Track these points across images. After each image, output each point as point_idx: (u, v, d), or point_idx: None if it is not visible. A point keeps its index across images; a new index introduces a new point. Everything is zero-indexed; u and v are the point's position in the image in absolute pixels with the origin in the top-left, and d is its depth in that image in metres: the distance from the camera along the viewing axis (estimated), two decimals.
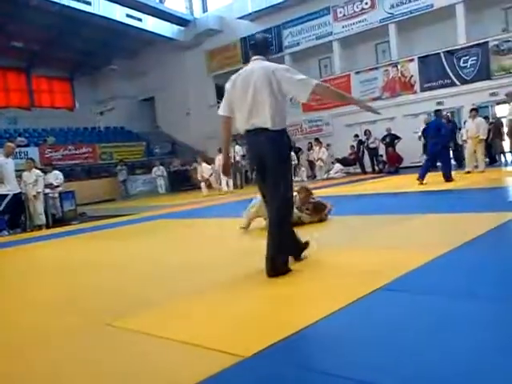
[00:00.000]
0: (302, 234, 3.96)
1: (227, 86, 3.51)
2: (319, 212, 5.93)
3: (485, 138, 11.92)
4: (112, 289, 3.71)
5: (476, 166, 11.71)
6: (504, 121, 13.07)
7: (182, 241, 6.08)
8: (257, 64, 3.43)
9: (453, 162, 15.33)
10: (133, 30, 23.17)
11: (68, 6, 20.32)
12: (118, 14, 22.08)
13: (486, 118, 15.67)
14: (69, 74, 28.26)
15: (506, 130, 13.01)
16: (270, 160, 3.35)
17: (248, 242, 5.27)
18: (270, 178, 3.39)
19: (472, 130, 11.52)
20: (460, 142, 13.96)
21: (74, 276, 4.47)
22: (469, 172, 11.44)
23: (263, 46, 3.58)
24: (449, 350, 1.88)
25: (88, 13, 21.08)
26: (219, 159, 16.39)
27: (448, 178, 9.86)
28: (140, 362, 2.16)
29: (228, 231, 6.43)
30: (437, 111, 10.95)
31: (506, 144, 15.24)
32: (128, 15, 22.36)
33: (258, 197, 5.34)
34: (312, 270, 3.55)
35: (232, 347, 2.16)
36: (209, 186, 16.11)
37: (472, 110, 12.36)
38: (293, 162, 17.17)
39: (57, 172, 12.39)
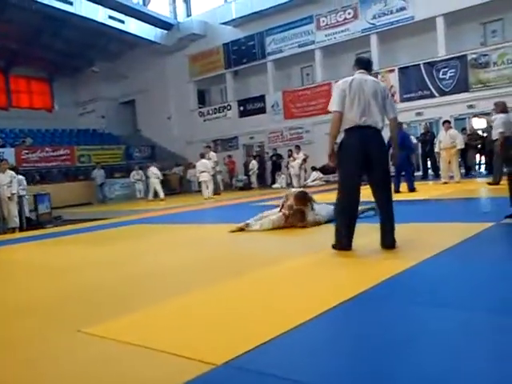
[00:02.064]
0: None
1: (342, 86, 4.09)
2: (299, 219, 5.96)
3: (462, 147, 12.08)
4: (84, 294, 3.62)
5: (452, 177, 11.86)
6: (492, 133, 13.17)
7: (157, 246, 5.98)
8: (366, 76, 4.17)
9: (430, 172, 15.60)
10: (115, 32, 22.96)
11: (49, 5, 20.02)
12: (101, 15, 21.85)
13: (464, 129, 15.99)
14: (48, 75, 27.83)
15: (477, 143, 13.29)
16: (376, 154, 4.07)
17: (221, 248, 5.20)
18: (380, 170, 4.08)
19: (445, 142, 11.63)
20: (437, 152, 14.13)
21: (46, 280, 4.34)
22: (446, 182, 11.58)
23: (368, 63, 4.37)
24: (411, 358, 1.85)
25: (69, 13, 20.81)
26: (199, 165, 16.37)
27: (411, 188, 10.10)
28: (107, 371, 2.09)
29: (204, 237, 6.37)
30: (399, 123, 11.04)
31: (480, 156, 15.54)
32: (110, 17, 22.14)
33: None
34: (287, 273, 3.51)
35: (204, 354, 2.10)
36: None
37: (445, 121, 12.52)
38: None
39: (20, 177, 11.17)
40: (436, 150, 12.47)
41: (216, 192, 16.54)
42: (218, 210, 11.38)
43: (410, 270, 3.36)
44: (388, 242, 4.08)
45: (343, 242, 4.06)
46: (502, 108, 9.60)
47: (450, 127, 12.20)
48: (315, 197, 6.79)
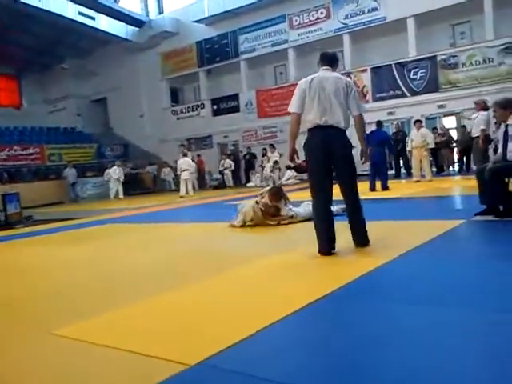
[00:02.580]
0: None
1: (303, 86, 3.99)
2: (272, 214, 6.02)
3: (433, 146, 12.32)
4: (54, 295, 3.53)
5: (423, 175, 12.08)
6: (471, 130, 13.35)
7: (130, 246, 5.89)
8: (329, 73, 4.05)
9: (403, 170, 15.85)
10: (85, 28, 22.54)
11: (16, 0, 19.51)
12: (70, 11, 21.41)
13: (435, 128, 16.32)
14: (16, 71, 27.12)
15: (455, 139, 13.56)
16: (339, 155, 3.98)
17: (195, 247, 5.16)
18: (345, 170, 4.03)
19: (417, 141, 11.85)
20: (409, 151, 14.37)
21: (16, 282, 4.23)
22: (418, 181, 11.78)
23: (331, 59, 4.20)
24: (384, 356, 1.87)
25: (37, 8, 20.31)
26: (180, 163, 16.35)
27: (385, 186, 10.33)
28: (78, 373, 2.05)
29: (178, 236, 6.31)
30: (378, 122, 11.26)
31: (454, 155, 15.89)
32: (80, 13, 21.72)
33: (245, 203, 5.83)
34: (260, 272, 3.50)
35: (177, 354, 2.09)
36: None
37: (416, 121, 12.70)
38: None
39: None
40: (408, 148, 12.69)
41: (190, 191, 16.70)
42: (191, 208, 11.30)
43: (383, 267, 3.39)
44: (360, 240, 4.09)
45: (325, 247, 3.95)
46: (482, 106, 9.78)
47: (422, 126, 12.42)
48: (290, 195, 6.82)
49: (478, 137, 9.34)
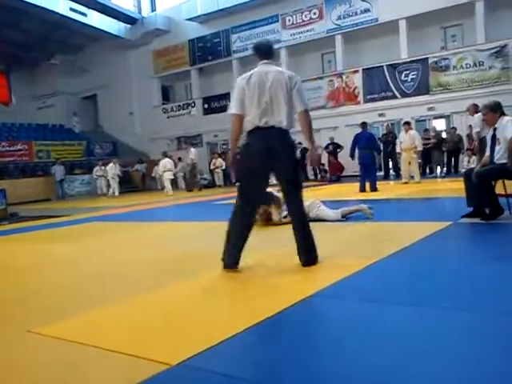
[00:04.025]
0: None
1: (240, 84, 3.56)
2: (265, 219, 5.95)
3: (421, 149, 12.34)
4: (36, 293, 3.46)
5: (412, 177, 12.10)
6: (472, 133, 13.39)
7: (114, 244, 5.81)
8: (269, 67, 3.61)
9: (392, 172, 15.89)
10: (77, 24, 22.36)
11: None
12: (61, 6, 21.22)
13: (426, 130, 16.37)
14: (5, 67, 26.75)
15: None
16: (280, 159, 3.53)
17: (179, 247, 5.09)
18: (288, 176, 3.58)
19: (406, 143, 11.87)
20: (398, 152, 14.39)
21: None
22: (406, 182, 11.80)
23: (269, 50, 3.76)
24: (363, 357, 1.82)
25: (28, 3, 20.09)
26: (162, 163, 16.50)
27: (374, 188, 10.34)
28: (58, 372, 2.01)
29: (164, 235, 6.24)
30: (363, 123, 11.25)
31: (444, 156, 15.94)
32: (72, 9, 21.54)
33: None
34: (247, 275, 3.45)
35: (158, 354, 2.05)
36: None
37: (405, 123, 12.73)
38: None
39: None
40: (397, 150, 12.71)
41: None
42: (179, 207, 11.21)
43: (367, 269, 3.36)
44: (304, 257, 3.55)
45: (229, 262, 3.53)
46: (475, 109, 9.78)
47: (411, 128, 12.44)
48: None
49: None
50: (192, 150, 17.57)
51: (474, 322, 2.23)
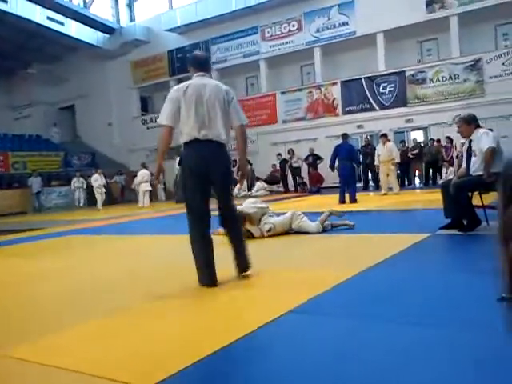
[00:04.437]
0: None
1: (176, 94, 3.49)
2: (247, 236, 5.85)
3: (399, 161, 12.47)
4: (4, 312, 3.33)
5: (391, 188, 12.19)
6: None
7: (90, 258, 5.67)
8: (206, 80, 3.60)
9: (371, 183, 16.02)
10: (54, 33, 22.10)
11: None
12: (38, 15, 20.96)
13: (402, 142, 16.62)
14: None
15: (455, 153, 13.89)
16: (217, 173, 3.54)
17: (155, 262, 5.00)
18: (223, 188, 3.60)
19: (384, 155, 11.96)
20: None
21: None
22: (385, 194, 11.88)
23: (206, 63, 3.81)
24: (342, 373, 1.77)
25: (3, 11, 19.79)
26: (140, 174, 16.33)
27: (354, 199, 10.39)
28: None
29: (140, 248, 6.13)
30: (344, 135, 11.33)
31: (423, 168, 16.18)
32: (49, 18, 21.30)
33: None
34: (224, 291, 3.38)
35: (133, 376, 1.98)
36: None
37: (382, 135, 12.82)
38: None
39: None
40: (376, 163, 12.78)
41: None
42: (159, 220, 11.07)
43: (346, 282, 3.33)
44: (243, 264, 3.62)
45: (204, 280, 3.47)
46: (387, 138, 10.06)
47: (388, 140, 12.56)
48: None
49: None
50: (178, 159, 17.29)
51: (450, 337, 2.19)
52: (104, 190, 17.77)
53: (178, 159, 14.42)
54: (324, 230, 5.90)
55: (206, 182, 3.51)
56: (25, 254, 6.70)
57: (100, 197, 17.51)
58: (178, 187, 17.33)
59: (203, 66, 3.70)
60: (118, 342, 2.50)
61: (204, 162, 3.46)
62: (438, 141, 15.69)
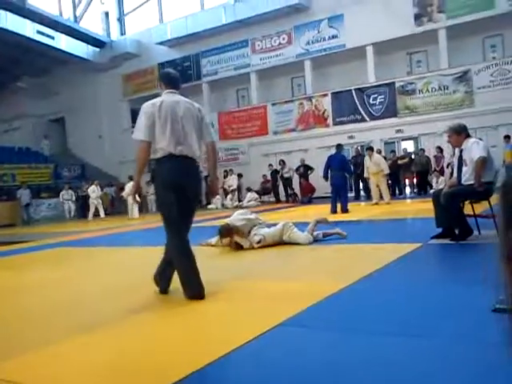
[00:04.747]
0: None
1: (150, 110, 3.48)
2: (235, 248, 5.81)
3: (388, 172, 12.45)
4: None
5: (382, 198, 12.21)
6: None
7: (73, 273, 5.56)
8: (178, 97, 3.63)
9: (362, 193, 16.04)
10: (44, 47, 22.06)
11: None
12: (28, 29, 20.93)
13: (393, 152, 16.72)
14: None
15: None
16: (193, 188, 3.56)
17: (143, 274, 4.91)
18: (189, 207, 3.56)
19: (371, 168, 11.99)
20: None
21: None
22: (376, 203, 11.90)
23: (178, 81, 3.80)
24: None
25: None
26: (128, 186, 16.23)
27: (345, 209, 10.37)
28: None
29: (127, 261, 6.03)
30: (338, 146, 11.36)
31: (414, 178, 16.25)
32: (39, 32, 21.27)
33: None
34: (208, 304, 3.31)
35: None
36: None
37: (367, 148, 12.82)
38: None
39: None
40: (365, 175, 12.84)
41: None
42: (149, 231, 10.96)
43: (337, 294, 3.28)
44: (196, 289, 3.41)
45: (189, 292, 3.42)
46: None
47: (376, 153, 12.62)
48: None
49: None
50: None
51: (441, 349, 2.14)
52: (101, 201, 17.90)
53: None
54: (315, 240, 5.85)
55: (183, 196, 3.47)
56: (10, 267, 6.57)
57: (94, 208, 17.58)
58: None
59: (174, 83, 3.72)
60: (99, 358, 2.42)
61: (180, 177, 3.47)
62: (423, 150, 15.86)
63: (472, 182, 4.95)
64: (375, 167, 11.91)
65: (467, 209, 5.34)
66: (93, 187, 17.94)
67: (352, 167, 15.78)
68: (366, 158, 12.39)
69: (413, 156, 16.39)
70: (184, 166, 3.50)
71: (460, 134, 5.26)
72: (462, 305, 2.82)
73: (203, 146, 3.72)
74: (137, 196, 3.85)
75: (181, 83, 3.83)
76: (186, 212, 3.52)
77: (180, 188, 3.45)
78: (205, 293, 3.42)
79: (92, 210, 17.69)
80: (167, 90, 3.65)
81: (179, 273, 3.46)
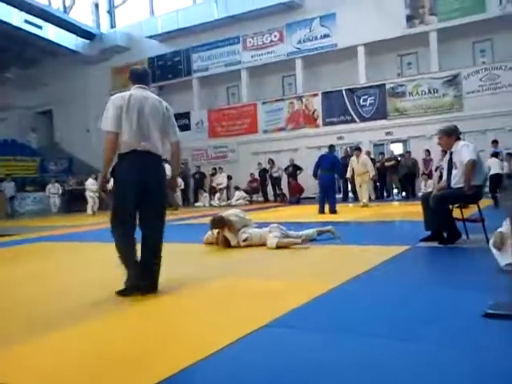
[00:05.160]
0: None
1: (119, 102, 3.49)
2: (224, 244, 5.74)
3: (373, 173, 12.37)
4: None
5: (370, 199, 12.14)
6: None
7: (55, 267, 5.44)
8: (147, 93, 3.64)
9: (350, 194, 16.03)
10: (32, 37, 21.71)
11: None
12: (15, 18, 20.56)
13: (381, 153, 16.76)
14: None
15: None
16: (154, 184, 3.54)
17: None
18: (154, 202, 3.55)
19: (358, 169, 11.89)
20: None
21: None
22: (366, 205, 11.83)
23: (147, 77, 3.80)
24: None
25: None
26: (91, 182, 16.01)
27: (333, 210, 10.29)
28: None
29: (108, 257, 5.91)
30: (331, 146, 11.32)
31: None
32: (27, 21, 20.91)
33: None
34: (192, 301, 3.23)
35: None
36: None
37: (355, 148, 12.73)
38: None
39: None
40: (347, 175, 12.66)
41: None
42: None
43: (325, 295, 3.22)
44: (149, 280, 3.48)
45: (132, 281, 3.46)
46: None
47: (365, 153, 12.57)
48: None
49: None
50: (167, 166, 16.78)
51: (430, 352, 2.09)
52: (97, 195, 17.37)
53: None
54: (311, 240, 5.78)
55: (138, 192, 3.47)
56: None
57: (92, 201, 17.07)
58: (171, 194, 16.89)
59: (142, 79, 3.72)
60: (69, 360, 2.33)
61: (141, 174, 3.47)
62: (409, 153, 15.97)
63: (462, 185, 4.92)
64: (362, 168, 11.85)
65: (456, 212, 5.31)
66: (91, 180, 17.35)
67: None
68: (353, 159, 12.30)
69: (399, 158, 16.42)
70: (146, 161, 3.50)
71: (450, 136, 5.23)
72: (450, 308, 2.79)
73: (168, 145, 3.70)
74: (108, 186, 3.67)
75: (148, 79, 3.81)
76: (143, 208, 3.52)
77: (140, 184, 3.45)
78: (157, 286, 3.49)
79: (90, 203, 17.15)
80: (135, 85, 3.67)
81: (124, 264, 3.50)
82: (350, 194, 16.09)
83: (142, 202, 3.51)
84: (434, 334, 2.34)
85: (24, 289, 4.21)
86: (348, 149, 16.83)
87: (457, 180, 5.04)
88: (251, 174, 18.67)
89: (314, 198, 15.34)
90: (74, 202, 19.65)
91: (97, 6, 24.50)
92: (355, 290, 3.38)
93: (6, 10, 20.18)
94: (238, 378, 2.00)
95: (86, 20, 23.91)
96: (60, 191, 19.56)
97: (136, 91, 3.60)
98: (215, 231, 5.91)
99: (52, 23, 21.93)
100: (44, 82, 24.78)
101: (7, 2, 20.11)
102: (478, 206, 5.12)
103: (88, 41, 23.59)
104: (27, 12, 20.71)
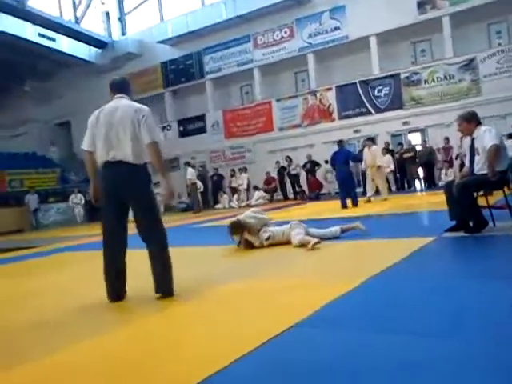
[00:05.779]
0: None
1: (90, 120, 3.66)
2: (246, 246, 5.71)
3: (381, 164, 11.97)
4: None
5: (378, 192, 11.76)
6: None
7: (72, 279, 5.47)
8: (121, 102, 3.67)
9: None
10: (46, 50, 22.02)
11: None
12: (29, 32, 20.89)
13: (400, 144, 16.53)
14: None
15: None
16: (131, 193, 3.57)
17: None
18: (139, 210, 3.59)
19: (369, 159, 11.59)
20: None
21: None
22: (369, 200, 11.48)
23: (123, 85, 3.86)
24: None
25: None
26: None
27: (355, 202, 10.27)
28: None
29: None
30: (340, 142, 11.17)
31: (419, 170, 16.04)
32: (40, 34, 21.22)
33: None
34: (217, 305, 3.21)
35: None
36: None
37: (367, 139, 12.38)
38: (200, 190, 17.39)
39: None
40: (362, 167, 12.31)
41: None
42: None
43: (352, 292, 3.16)
44: (163, 288, 3.54)
45: (110, 294, 3.63)
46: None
47: (374, 144, 12.11)
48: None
49: None
50: (189, 169, 16.88)
51: (466, 350, 2.02)
52: None
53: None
54: (329, 238, 5.69)
55: (118, 203, 3.56)
56: (9, 274, 6.48)
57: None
58: (194, 197, 17.08)
59: (119, 88, 3.78)
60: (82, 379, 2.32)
61: (113, 183, 3.54)
62: (426, 142, 15.77)
63: (485, 172, 4.80)
64: (372, 159, 11.53)
65: (481, 200, 5.19)
66: None
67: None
68: (365, 150, 11.91)
69: (418, 148, 16.16)
70: (118, 172, 3.53)
71: (470, 121, 5.11)
72: (484, 300, 2.69)
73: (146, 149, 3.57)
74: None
75: (126, 87, 3.86)
76: (135, 217, 3.60)
77: (114, 194, 3.54)
78: (172, 292, 3.54)
79: None
80: (115, 96, 3.74)
81: (104, 273, 3.64)
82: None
83: (132, 210, 3.61)
84: (471, 329, 2.24)
85: (48, 300, 4.24)
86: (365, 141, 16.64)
87: (480, 166, 4.92)
88: (267, 172, 18.60)
89: (330, 194, 15.30)
90: (95, 211, 19.80)
91: (107, 14, 24.71)
92: (382, 286, 3.30)
93: (19, 24, 20.51)
94: (280, 371, 1.99)
95: (97, 29, 24.15)
96: (82, 201, 19.81)
97: (111, 103, 3.68)
98: (236, 237, 5.84)
99: (65, 34, 22.20)
100: (60, 93, 25.14)
101: (21, 16, 20.44)
102: (504, 192, 4.99)
103: (100, 50, 23.82)
104: (40, 25, 21.01)
